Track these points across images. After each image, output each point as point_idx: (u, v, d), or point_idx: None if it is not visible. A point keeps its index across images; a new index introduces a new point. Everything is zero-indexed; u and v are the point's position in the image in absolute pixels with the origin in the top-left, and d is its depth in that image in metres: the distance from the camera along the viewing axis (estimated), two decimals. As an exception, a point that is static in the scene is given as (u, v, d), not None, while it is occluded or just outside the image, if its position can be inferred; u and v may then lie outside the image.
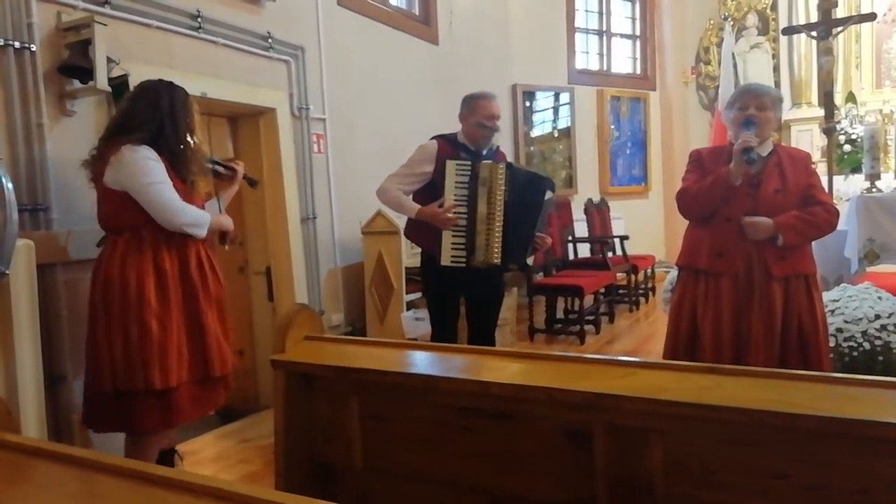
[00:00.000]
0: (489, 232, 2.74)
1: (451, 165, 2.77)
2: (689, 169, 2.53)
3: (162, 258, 2.22)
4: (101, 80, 2.57)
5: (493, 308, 3.06)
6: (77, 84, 2.65)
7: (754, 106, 2.38)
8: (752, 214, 2.33)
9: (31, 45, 2.51)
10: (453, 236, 2.76)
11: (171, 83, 2.35)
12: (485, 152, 2.91)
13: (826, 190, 2.55)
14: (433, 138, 2.95)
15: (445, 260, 2.77)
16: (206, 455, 3.07)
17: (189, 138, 2.31)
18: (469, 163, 2.78)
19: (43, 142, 2.54)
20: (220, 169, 2.59)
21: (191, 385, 2.25)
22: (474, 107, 2.89)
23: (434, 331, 3.04)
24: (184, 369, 2.22)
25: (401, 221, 4.02)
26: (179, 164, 2.26)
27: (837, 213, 2.41)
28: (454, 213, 2.76)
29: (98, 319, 2.19)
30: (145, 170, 2.16)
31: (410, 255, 4.37)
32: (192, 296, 2.27)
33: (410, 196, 2.90)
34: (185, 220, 2.22)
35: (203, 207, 2.39)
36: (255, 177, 2.87)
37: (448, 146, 2.88)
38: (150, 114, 2.24)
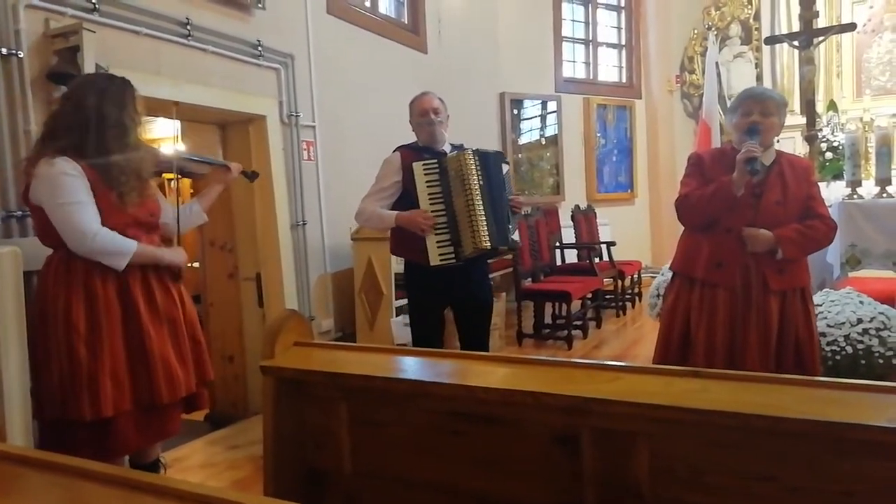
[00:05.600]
0: (472, 220, 2.69)
1: (417, 167, 2.77)
2: (688, 173, 2.46)
3: (93, 278, 2.02)
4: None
5: (483, 317, 2.98)
6: (65, 91, 2.63)
7: (758, 112, 2.31)
8: (753, 225, 2.29)
9: (19, 52, 2.50)
10: (437, 235, 2.73)
11: (107, 77, 2.15)
12: (447, 149, 2.89)
13: (824, 202, 2.47)
14: (395, 150, 2.94)
15: (434, 260, 2.72)
16: (194, 462, 3.05)
17: (122, 140, 2.07)
18: (434, 161, 2.78)
19: (30, 148, 2.52)
20: (193, 167, 2.47)
21: (135, 413, 2.06)
22: (411, 111, 2.94)
23: (416, 344, 2.94)
24: (124, 397, 2.03)
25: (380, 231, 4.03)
26: (106, 173, 2.03)
27: (836, 227, 2.38)
28: (432, 211, 2.74)
29: (36, 343, 2.05)
30: (57, 188, 1.96)
31: (400, 261, 4.37)
32: (134, 317, 2.06)
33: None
34: (95, 246, 1.98)
35: (153, 217, 2.21)
36: (251, 170, 2.78)
37: (410, 152, 2.88)
38: (74, 117, 2.03)
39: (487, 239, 2.68)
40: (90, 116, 2.03)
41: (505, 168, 2.86)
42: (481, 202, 2.70)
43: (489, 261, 3.09)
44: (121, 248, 2.03)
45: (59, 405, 2.01)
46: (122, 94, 2.10)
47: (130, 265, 2.06)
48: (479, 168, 2.72)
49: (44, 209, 2.01)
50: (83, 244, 1.98)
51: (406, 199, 2.82)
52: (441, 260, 2.73)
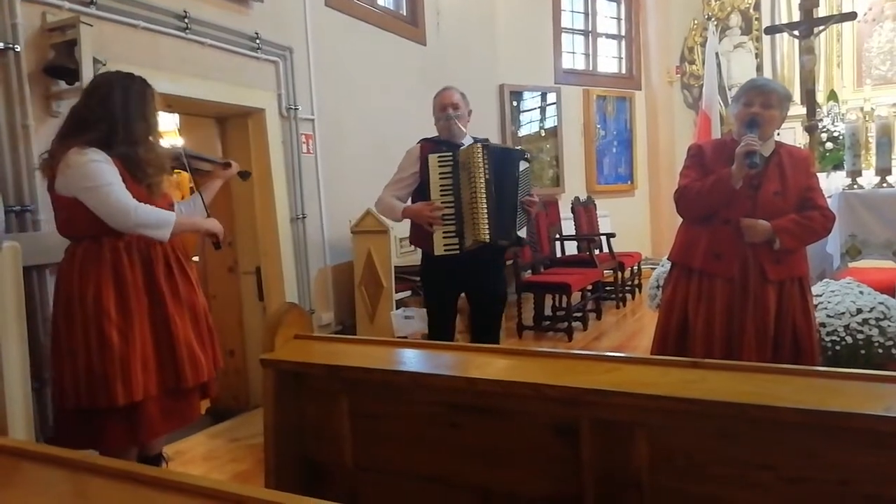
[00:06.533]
0: (474, 213, 2.73)
1: (432, 159, 2.83)
2: (688, 165, 2.46)
3: (122, 266, 2.08)
4: (88, 81, 2.55)
5: (496, 309, 3.02)
6: (63, 85, 2.63)
7: (759, 103, 2.31)
8: (751, 216, 2.29)
9: (16, 46, 2.49)
10: (444, 225, 2.78)
11: (127, 75, 2.21)
12: (468, 143, 2.93)
13: (823, 193, 2.47)
14: (418, 142, 3.00)
15: (439, 250, 2.78)
16: (196, 454, 3.07)
17: (147, 134, 2.17)
18: (450, 153, 2.82)
19: (29, 143, 2.52)
20: (199, 164, 2.53)
21: (161, 398, 2.13)
22: (433, 106, 3.01)
23: (431, 331, 3.02)
24: (151, 382, 2.09)
25: (391, 221, 4.05)
26: (134, 166, 2.11)
27: (833, 218, 2.38)
28: (442, 202, 2.78)
29: (60, 334, 2.08)
30: (91, 173, 2.02)
31: (400, 253, 4.38)
32: (160, 304, 2.13)
33: (409, 201, 2.95)
34: (138, 220, 2.05)
35: (171, 208, 2.27)
36: (244, 169, 2.85)
37: (430, 144, 2.94)
38: (100, 112, 2.10)
39: (487, 232, 2.72)
40: (117, 113, 2.10)
41: (523, 165, 2.86)
42: (485, 195, 2.73)
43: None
44: (162, 218, 2.12)
45: (86, 393, 2.03)
46: (143, 92, 2.18)
47: (159, 247, 2.14)
48: (486, 161, 2.75)
49: (76, 198, 2.04)
50: (127, 219, 2.03)
51: (423, 190, 2.88)
52: (445, 250, 2.78)
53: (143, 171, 2.12)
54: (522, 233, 2.90)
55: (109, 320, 2.03)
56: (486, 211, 2.72)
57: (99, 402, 2.02)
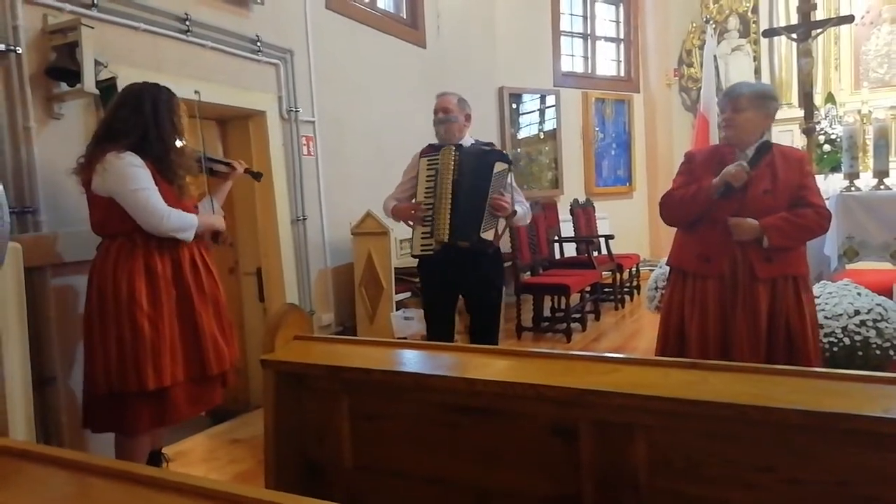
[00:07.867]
0: (439, 214, 2.79)
1: (422, 163, 2.90)
2: (679, 171, 2.51)
3: (154, 261, 2.24)
4: (89, 83, 2.56)
5: (488, 313, 2.98)
6: (64, 87, 2.63)
7: (730, 109, 2.34)
8: (739, 215, 2.31)
9: (17, 48, 2.50)
10: (424, 226, 2.86)
11: (155, 85, 2.35)
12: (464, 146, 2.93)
13: (820, 192, 2.45)
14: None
15: (416, 250, 2.87)
16: (196, 455, 3.07)
17: (175, 140, 2.31)
18: (437, 157, 2.87)
19: (30, 145, 2.53)
20: (216, 167, 2.63)
21: (187, 384, 2.28)
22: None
23: (429, 332, 3.02)
24: (178, 369, 2.25)
25: (390, 222, 4.05)
26: (166, 169, 2.26)
27: (829, 216, 2.35)
28: (424, 204, 2.84)
29: (93, 324, 2.22)
30: (129, 176, 2.18)
31: (400, 255, 4.39)
32: (187, 297, 2.30)
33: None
34: (170, 225, 2.23)
35: (196, 209, 2.41)
36: (256, 170, 2.93)
37: (428, 148, 2.98)
38: (134, 119, 2.25)
39: (447, 233, 2.78)
40: (148, 120, 2.25)
41: (500, 167, 2.83)
42: (450, 196, 2.78)
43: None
44: (189, 222, 2.30)
45: (118, 378, 2.16)
46: (170, 101, 2.33)
47: (185, 244, 2.31)
48: (456, 163, 2.80)
49: (114, 198, 2.19)
50: (161, 224, 2.21)
51: None
52: (421, 250, 2.86)
53: (174, 173, 2.28)
54: (490, 235, 2.82)
55: (141, 311, 2.18)
56: (449, 211, 2.78)
57: (130, 386, 2.15)
